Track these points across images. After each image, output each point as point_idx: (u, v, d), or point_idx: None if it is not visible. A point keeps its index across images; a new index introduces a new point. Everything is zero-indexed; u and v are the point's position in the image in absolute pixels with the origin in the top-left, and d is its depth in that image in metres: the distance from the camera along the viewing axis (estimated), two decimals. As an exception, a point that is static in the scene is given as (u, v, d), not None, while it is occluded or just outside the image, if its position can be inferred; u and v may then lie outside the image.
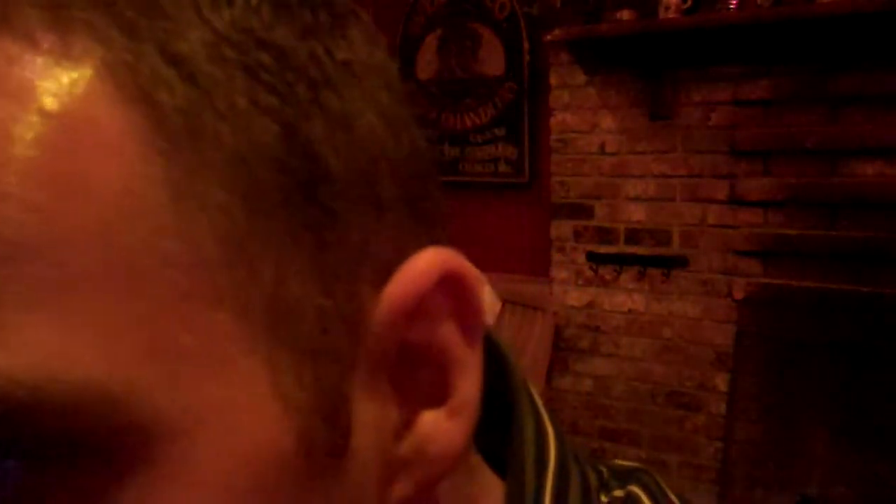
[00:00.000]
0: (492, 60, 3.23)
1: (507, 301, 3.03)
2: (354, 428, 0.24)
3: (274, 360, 0.23)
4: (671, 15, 2.55)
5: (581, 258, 2.97)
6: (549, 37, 2.81)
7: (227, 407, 0.22)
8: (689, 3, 2.54)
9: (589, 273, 2.96)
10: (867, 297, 2.44)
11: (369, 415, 0.25)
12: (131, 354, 0.21)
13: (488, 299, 2.24)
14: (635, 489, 0.36)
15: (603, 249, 2.92)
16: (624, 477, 0.36)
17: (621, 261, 2.89)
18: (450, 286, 0.26)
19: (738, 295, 2.67)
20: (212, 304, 0.22)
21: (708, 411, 2.76)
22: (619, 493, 0.35)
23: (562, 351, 3.02)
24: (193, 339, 0.21)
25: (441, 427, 0.26)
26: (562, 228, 3.01)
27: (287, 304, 0.23)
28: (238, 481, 0.22)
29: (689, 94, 2.69)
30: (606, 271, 2.93)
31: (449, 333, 0.26)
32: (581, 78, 2.90)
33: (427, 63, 3.42)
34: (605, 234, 2.92)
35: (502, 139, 3.25)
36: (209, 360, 0.22)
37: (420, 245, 0.26)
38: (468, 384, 0.26)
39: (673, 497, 0.37)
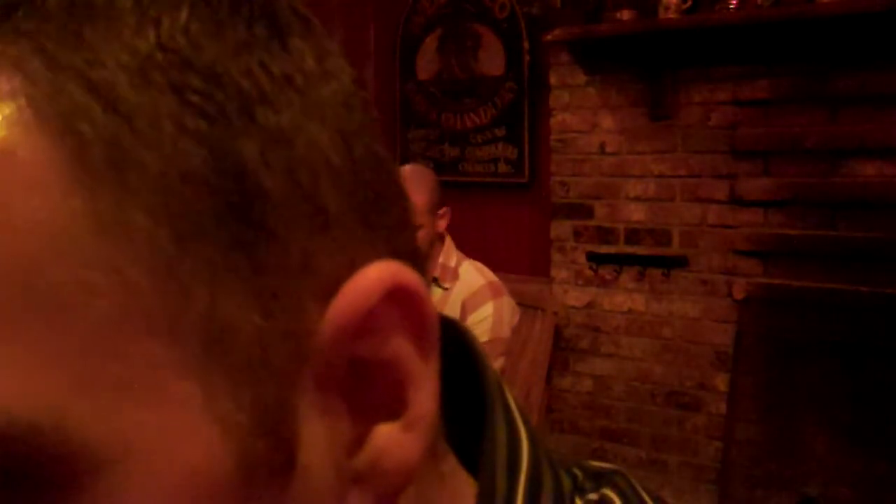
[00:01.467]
0: (492, 60, 3.23)
1: (507, 301, 3.03)
2: (302, 445, 0.24)
3: (209, 383, 0.23)
4: (671, 15, 2.55)
5: (581, 258, 2.97)
6: (549, 37, 2.81)
7: (160, 433, 0.22)
8: (689, 3, 2.54)
9: (589, 273, 2.96)
10: (867, 297, 2.44)
11: (319, 431, 0.25)
12: (58, 387, 0.21)
13: (508, 310, 2.18)
14: (608, 492, 0.35)
15: (603, 249, 2.93)
16: (598, 479, 0.36)
17: (621, 261, 2.89)
18: (398, 300, 0.25)
19: (738, 295, 2.66)
20: (142, 332, 0.22)
21: (708, 411, 2.76)
22: (593, 496, 0.35)
23: (562, 351, 3.02)
24: (123, 368, 0.21)
25: (396, 441, 0.26)
26: (562, 228, 3.01)
27: (222, 327, 0.23)
28: (177, 503, 0.22)
29: (689, 94, 2.69)
30: (606, 271, 2.93)
31: (400, 347, 0.25)
32: (581, 78, 2.90)
33: (427, 63, 3.42)
34: (605, 234, 2.92)
35: (502, 139, 3.25)
36: (140, 388, 0.22)
37: (376, 257, 0.26)
38: (423, 397, 0.26)
39: (647, 498, 0.37)
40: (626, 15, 2.65)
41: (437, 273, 2.14)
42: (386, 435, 0.26)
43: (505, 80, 3.21)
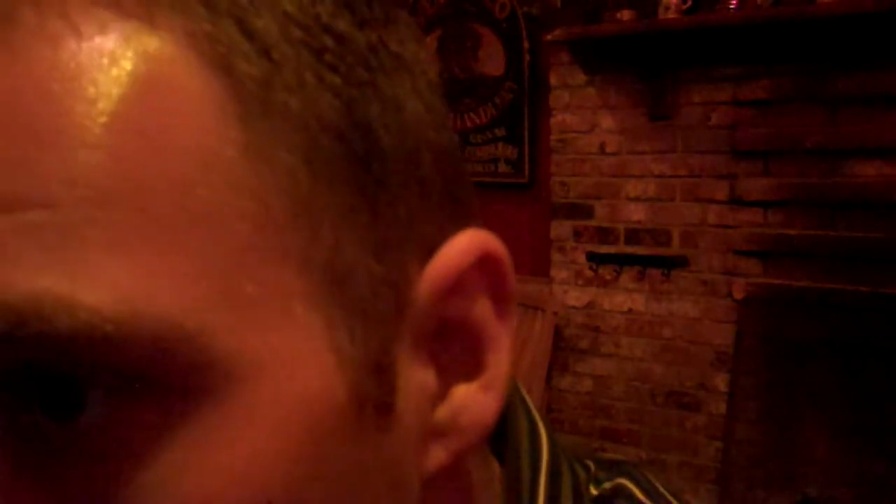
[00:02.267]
0: (492, 60, 3.23)
1: (507, 301, 3.03)
2: (398, 390, 0.26)
3: (330, 315, 0.24)
4: (671, 15, 2.55)
5: (581, 258, 2.97)
6: (549, 37, 2.81)
7: (286, 355, 0.24)
8: (689, 3, 2.54)
9: (589, 273, 2.96)
10: (867, 297, 2.44)
11: (412, 380, 0.27)
12: (204, 299, 0.22)
13: None
14: (624, 481, 0.37)
15: (603, 249, 2.93)
16: (611, 469, 0.38)
17: (621, 261, 2.89)
18: (486, 266, 0.28)
19: (738, 295, 2.67)
20: (278, 259, 0.23)
21: (708, 411, 2.76)
22: (607, 484, 0.37)
23: (562, 351, 3.02)
24: (259, 289, 0.23)
25: (474, 399, 0.28)
26: (562, 228, 3.01)
27: (343, 266, 0.25)
28: (294, 424, 0.24)
29: (689, 94, 2.69)
30: (606, 271, 2.93)
31: (484, 310, 0.28)
32: (581, 78, 2.90)
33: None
34: (605, 234, 2.92)
35: (502, 139, 3.25)
36: (272, 311, 0.23)
37: (458, 229, 0.28)
38: (499, 360, 0.28)
39: (662, 489, 0.38)
40: (626, 15, 2.65)
41: None
42: (465, 394, 0.28)
43: (505, 80, 3.21)
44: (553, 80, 2.97)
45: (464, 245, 0.27)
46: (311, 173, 0.24)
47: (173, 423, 0.22)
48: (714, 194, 2.69)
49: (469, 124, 3.32)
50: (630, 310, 2.89)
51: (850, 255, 2.47)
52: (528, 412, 0.35)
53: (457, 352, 0.28)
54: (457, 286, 0.27)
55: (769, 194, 2.60)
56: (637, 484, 0.37)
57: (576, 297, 3.00)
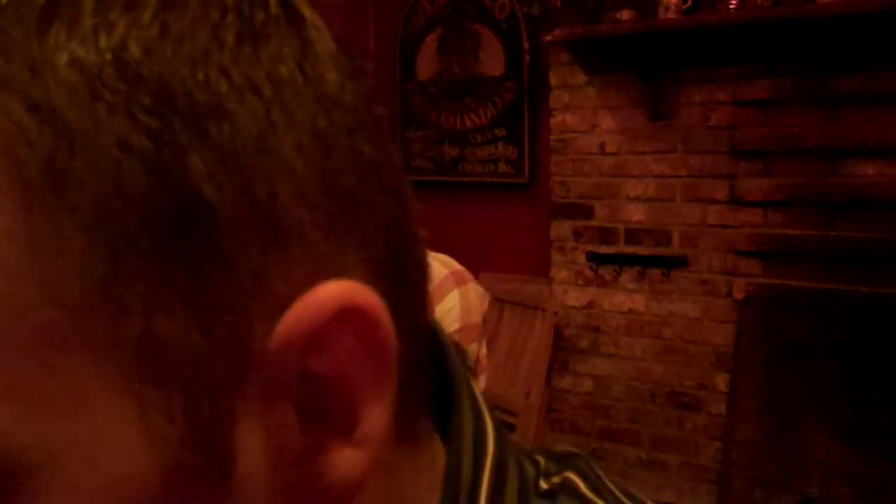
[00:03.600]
0: (492, 60, 3.23)
1: (507, 301, 3.03)
2: (240, 454, 0.25)
3: (141, 397, 0.23)
4: (671, 15, 2.55)
5: (581, 258, 2.97)
6: (549, 37, 2.81)
7: (84, 443, 0.23)
8: (689, 3, 2.54)
9: (589, 273, 2.96)
10: (867, 297, 2.44)
11: (261, 441, 0.25)
12: None
13: (476, 296, 2.19)
14: (571, 475, 0.36)
15: (603, 249, 2.92)
16: (560, 462, 0.37)
17: (621, 261, 2.89)
18: (352, 319, 0.25)
19: (738, 295, 2.66)
20: (72, 348, 0.22)
21: (708, 411, 2.76)
22: (556, 479, 0.36)
23: (562, 351, 3.02)
24: (49, 380, 0.22)
25: (343, 455, 0.26)
26: (562, 228, 3.01)
27: (157, 344, 0.23)
28: None
29: (690, 94, 2.69)
30: (606, 271, 2.93)
31: (353, 365, 0.25)
32: (581, 78, 2.90)
33: (427, 63, 3.42)
34: (605, 234, 2.92)
35: (502, 139, 3.25)
36: (66, 400, 0.22)
37: (342, 267, 0.25)
38: (373, 416, 0.26)
39: (610, 484, 0.37)
40: (626, 15, 2.65)
41: None
42: (336, 449, 0.26)
43: (505, 80, 3.21)
44: (553, 81, 2.97)
45: (320, 300, 0.24)
46: (110, 252, 0.22)
47: None
48: (714, 194, 2.69)
49: (469, 124, 3.32)
50: (630, 310, 2.89)
51: (850, 255, 2.47)
52: (476, 407, 0.33)
53: (330, 405, 0.26)
54: (315, 342, 0.25)
55: (769, 194, 2.59)
56: (584, 478, 0.36)
57: (576, 297, 3.00)
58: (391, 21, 3.50)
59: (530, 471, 0.35)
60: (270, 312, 0.24)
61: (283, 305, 0.24)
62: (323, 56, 0.26)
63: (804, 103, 2.51)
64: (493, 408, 0.34)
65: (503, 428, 0.34)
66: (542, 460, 0.36)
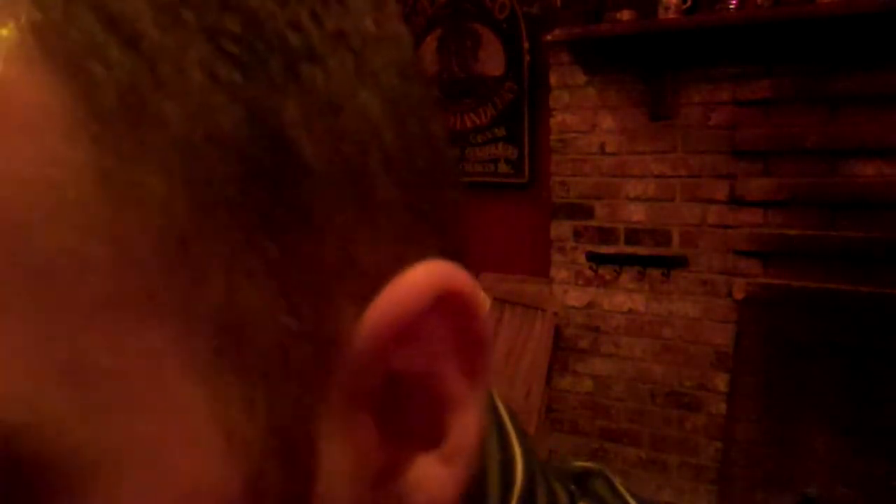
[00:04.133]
0: (492, 60, 3.23)
1: (507, 301, 3.03)
2: (321, 472, 0.21)
3: (219, 387, 0.19)
4: (671, 15, 2.55)
5: (581, 258, 2.97)
6: (549, 37, 2.81)
7: (157, 443, 0.18)
8: (689, 3, 2.54)
9: (589, 273, 2.96)
10: (867, 297, 2.44)
11: (343, 457, 0.21)
12: (40, 380, 0.17)
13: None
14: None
15: (603, 249, 2.93)
16: (579, 482, 0.34)
17: (621, 261, 2.89)
18: (449, 308, 0.21)
19: (738, 295, 2.67)
20: (143, 318, 0.18)
21: (708, 411, 2.76)
22: None
23: (562, 351, 3.02)
24: (118, 361, 0.18)
25: (431, 474, 0.22)
26: (562, 228, 3.01)
27: (239, 320, 0.19)
28: None
29: (689, 94, 2.69)
30: (606, 271, 2.93)
31: (446, 364, 0.22)
32: (581, 78, 2.90)
33: (427, 63, 3.42)
34: (605, 234, 2.92)
35: (502, 139, 3.25)
36: (136, 387, 0.18)
37: (425, 254, 0.22)
38: (466, 426, 0.22)
39: (630, 499, 0.34)
40: (626, 15, 2.65)
41: None
42: (421, 466, 0.22)
43: (505, 80, 3.21)
44: (553, 81, 2.97)
45: (419, 282, 0.21)
46: (195, 204, 0.18)
47: None
48: (714, 194, 2.69)
49: (469, 124, 3.32)
50: (630, 310, 2.89)
51: (850, 255, 2.47)
52: (503, 434, 0.30)
53: (414, 414, 0.22)
54: (408, 334, 0.21)
55: (769, 194, 2.59)
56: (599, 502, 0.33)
57: (576, 297, 3.00)
58: (391, 21, 3.50)
59: (563, 499, 0.32)
60: (359, 295, 0.21)
61: (374, 287, 0.21)
62: (396, 18, 0.24)
63: (804, 103, 2.51)
64: (524, 432, 0.31)
65: (533, 451, 0.31)
66: (573, 489, 0.33)
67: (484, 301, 0.22)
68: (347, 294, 0.21)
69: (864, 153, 2.44)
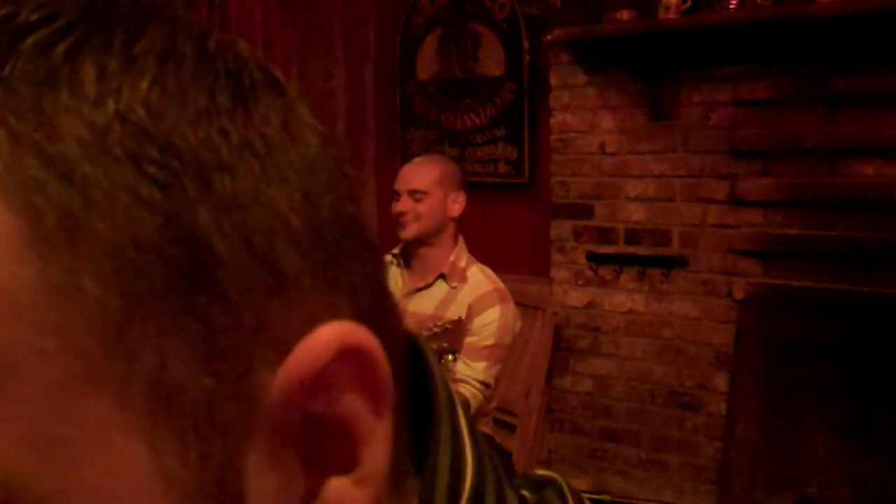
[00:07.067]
0: (492, 60, 3.24)
1: (507, 301, 3.03)
2: (250, 500, 0.25)
3: (156, 441, 0.24)
4: (671, 15, 2.55)
5: (581, 258, 2.97)
6: (549, 37, 2.82)
7: (104, 488, 0.23)
8: (689, 3, 2.54)
9: (589, 273, 2.96)
10: (867, 297, 2.44)
11: (269, 486, 0.26)
12: (7, 447, 0.22)
13: (513, 317, 2.21)
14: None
15: (603, 249, 2.93)
16: (538, 489, 0.37)
17: (621, 261, 2.89)
18: (351, 360, 0.26)
19: (738, 295, 2.67)
20: (89, 393, 0.23)
21: (708, 411, 2.76)
22: None
23: (562, 351, 3.02)
24: (69, 427, 0.22)
25: (346, 494, 0.27)
26: (562, 228, 3.01)
27: (170, 389, 0.24)
28: None
29: (689, 94, 2.69)
30: (606, 271, 2.93)
31: (353, 405, 0.26)
32: (581, 78, 2.90)
33: (427, 63, 3.42)
34: (605, 234, 2.92)
35: (502, 139, 3.25)
36: (87, 446, 0.23)
37: (335, 314, 0.26)
38: (375, 454, 0.27)
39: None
40: (626, 15, 2.65)
41: (446, 270, 2.18)
42: (338, 488, 0.27)
43: (505, 80, 3.21)
44: (553, 81, 2.97)
45: (321, 340, 0.26)
46: (126, 299, 0.23)
47: None
48: (714, 194, 2.69)
49: (469, 124, 3.32)
50: (630, 310, 2.89)
51: (850, 255, 2.47)
52: (456, 440, 0.33)
53: (331, 446, 0.27)
54: (316, 383, 0.25)
55: (769, 194, 2.60)
56: None
57: (576, 297, 3.00)
58: (391, 21, 3.50)
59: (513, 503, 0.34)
60: (274, 357, 0.25)
61: (286, 350, 0.25)
62: (303, 120, 0.28)
63: (804, 103, 2.51)
64: (479, 441, 0.33)
65: (486, 456, 0.33)
66: (527, 494, 0.36)
67: (381, 351, 0.26)
68: (262, 356, 0.25)
69: (864, 153, 2.44)
